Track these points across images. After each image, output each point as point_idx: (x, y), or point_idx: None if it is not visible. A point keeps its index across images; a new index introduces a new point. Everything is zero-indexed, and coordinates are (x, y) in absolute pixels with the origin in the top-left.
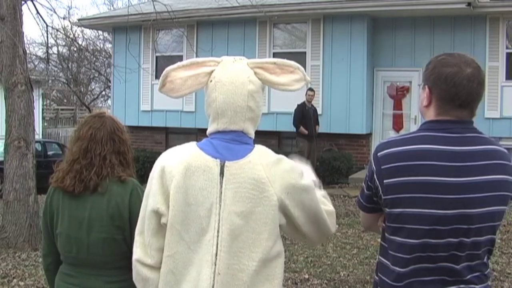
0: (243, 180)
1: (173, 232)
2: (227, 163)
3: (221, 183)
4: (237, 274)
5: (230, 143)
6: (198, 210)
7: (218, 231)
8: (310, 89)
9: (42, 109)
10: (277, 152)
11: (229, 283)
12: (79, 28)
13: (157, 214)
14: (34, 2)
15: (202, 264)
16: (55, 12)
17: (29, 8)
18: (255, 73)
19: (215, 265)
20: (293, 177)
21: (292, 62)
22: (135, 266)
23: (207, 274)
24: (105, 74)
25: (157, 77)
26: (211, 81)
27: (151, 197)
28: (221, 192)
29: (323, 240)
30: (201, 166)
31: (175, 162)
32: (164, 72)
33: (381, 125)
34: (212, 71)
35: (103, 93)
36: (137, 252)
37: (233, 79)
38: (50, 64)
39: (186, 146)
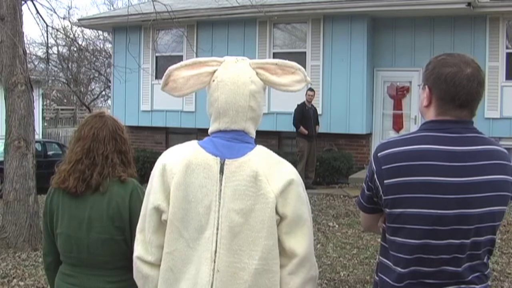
0: (242, 178)
1: (173, 229)
2: (227, 161)
3: (220, 180)
4: (238, 272)
5: (231, 142)
6: (198, 207)
7: (217, 229)
8: (310, 89)
9: (42, 109)
10: (277, 152)
11: (229, 281)
12: (79, 28)
13: (158, 211)
14: (34, 2)
15: (201, 261)
16: (55, 12)
17: (29, 8)
18: (257, 73)
19: (214, 262)
20: (293, 179)
21: (293, 63)
22: (136, 263)
23: (206, 271)
24: (105, 74)
25: (157, 77)
26: (213, 80)
27: (152, 194)
28: (220, 190)
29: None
30: (201, 164)
31: (176, 160)
32: (167, 71)
33: (381, 125)
34: (214, 71)
35: (103, 93)
36: (138, 250)
37: (235, 79)
38: (50, 64)
39: (187, 144)
